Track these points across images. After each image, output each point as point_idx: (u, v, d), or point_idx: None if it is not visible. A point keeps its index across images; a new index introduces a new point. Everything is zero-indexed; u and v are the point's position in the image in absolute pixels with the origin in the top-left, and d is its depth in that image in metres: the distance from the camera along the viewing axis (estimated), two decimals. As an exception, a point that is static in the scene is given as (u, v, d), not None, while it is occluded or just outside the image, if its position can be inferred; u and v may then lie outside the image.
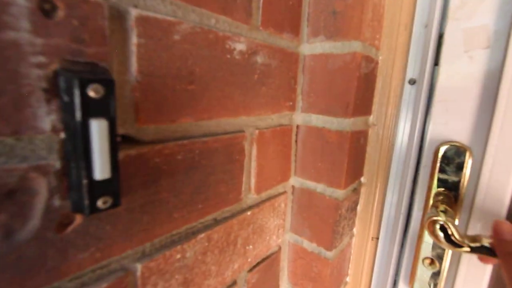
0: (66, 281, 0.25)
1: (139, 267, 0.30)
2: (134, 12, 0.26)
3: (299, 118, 0.52)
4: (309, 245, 0.54)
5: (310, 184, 0.53)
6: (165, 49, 0.28)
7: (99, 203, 0.23)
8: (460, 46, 0.46)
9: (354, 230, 0.60)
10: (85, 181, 0.22)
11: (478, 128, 0.46)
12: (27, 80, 0.20)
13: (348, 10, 0.44)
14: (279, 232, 0.54)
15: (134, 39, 0.26)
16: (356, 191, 0.57)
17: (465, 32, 0.46)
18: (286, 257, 0.58)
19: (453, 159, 0.48)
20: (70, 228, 0.24)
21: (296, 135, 0.53)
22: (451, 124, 0.48)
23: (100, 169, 0.22)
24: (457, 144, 0.48)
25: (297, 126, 0.52)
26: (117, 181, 0.23)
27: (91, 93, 0.21)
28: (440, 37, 0.49)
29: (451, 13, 0.46)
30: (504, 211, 0.45)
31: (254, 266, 0.48)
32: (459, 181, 0.48)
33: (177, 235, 0.34)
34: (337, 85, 0.47)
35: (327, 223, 0.51)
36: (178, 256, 0.34)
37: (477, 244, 0.38)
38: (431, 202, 0.51)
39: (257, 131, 0.43)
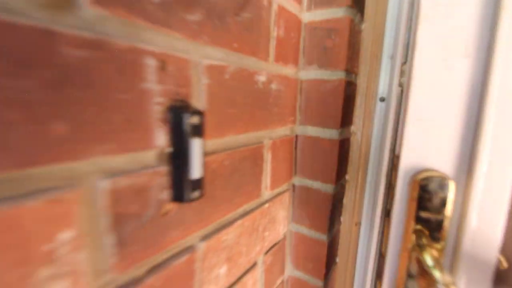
0: (162, 253, 0.34)
1: (203, 245, 0.40)
2: (204, 62, 0.37)
3: (298, 129, 0.65)
4: (309, 232, 0.67)
5: (308, 182, 0.66)
6: (220, 85, 0.40)
7: (194, 194, 0.33)
8: (436, 54, 0.39)
9: (341, 218, 0.74)
10: (187, 180, 0.32)
11: (463, 154, 0.38)
12: (152, 114, 0.30)
13: (335, 47, 0.58)
14: (285, 222, 0.66)
15: (204, 81, 0.37)
16: (343, 186, 0.70)
17: (440, 37, 0.38)
18: (290, 244, 0.70)
19: (435, 192, 0.39)
20: (169, 214, 0.34)
21: (296, 143, 0.66)
22: (429, 148, 0.40)
23: (196, 171, 0.32)
24: (438, 174, 0.39)
25: (296, 136, 0.65)
26: (203, 179, 0.34)
27: (193, 121, 0.32)
28: (404, 63, 0.65)
29: (424, 13, 0.40)
30: (494, 258, 0.39)
31: (268, 250, 0.60)
32: (442, 220, 0.40)
33: (223, 222, 0.44)
34: (327, 103, 0.61)
35: (323, 212, 0.64)
36: (224, 237, 0.44)
37: None
38: (409, 246, 0.43)
39: (271, 141, 0.55)
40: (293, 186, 0.67)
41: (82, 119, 0.24)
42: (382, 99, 0.67)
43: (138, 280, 0.32)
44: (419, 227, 0.41)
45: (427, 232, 0.41)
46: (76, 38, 0.23)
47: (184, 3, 0.32)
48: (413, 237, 0.42)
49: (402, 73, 0.65)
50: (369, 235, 0.75)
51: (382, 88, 0.67)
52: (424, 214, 0.41)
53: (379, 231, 0.75)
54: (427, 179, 0.40)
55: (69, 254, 0.25)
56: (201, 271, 0.41)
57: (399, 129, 0.43)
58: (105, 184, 0.27)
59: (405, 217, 0.43)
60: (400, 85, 0.66)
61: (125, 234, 0.29)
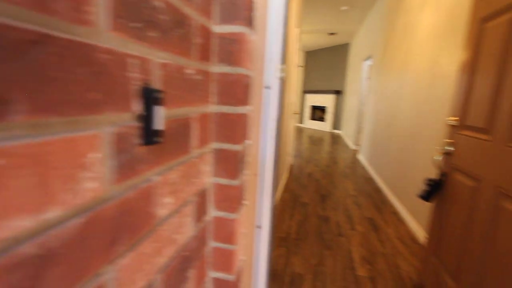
0: (135, 178, 0.56)
1: (158, 178, 0.63)
2: (159, 61, 0.59)
3: (214, 108, 0.91)
4: (224, 181, 0.95)
5: (223, 145, 0.93)
6: (167, 75, 0.62)
7: (157, 139, 0.56)
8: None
9: (245, 171, 1.05)
10: (152, 130, 0.55)
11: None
12: (133, 91, 0.52)
13: (237, 52, 0.86)
14: (209, 175, 0.92)
15: (159, 72, 0.59)
16: (244, 147, 1.01)
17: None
18: (212, 192, 0.97)
19: None
20: (140, 152, 0.56)
21: (212, 117, 0.92)
22: None
23: (158, 125, 0.55)
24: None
25: (213, 113, 0.92)
26: (163, 132, 0.57)
27: (155, 95, 0.54)
28: (281, 64, 0.98)
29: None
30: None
31: (197, 193, 0.85)
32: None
33: (169, 165, 0.68)
34: (233, 90, 0.89)
35: (234, 164, 0.93)
36: (170, 176, 0.68)
37: None
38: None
39: (196, 115, 0.80)
40: (214, 150, 0.94)
41: (103, 90, 0.45)
42: (268, 87, 1.00)
43: (123, 192, 0.53)
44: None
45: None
46: (104, 48, 0.44)
47: (150, 26, 0.54)
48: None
49: (280, 70, 0.99)
50: (264, 182, 1.09)
51: (266, 79, 1.00)
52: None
53: (271, 179, 1.10)
54: None
55: (95, 166, 0.45)
56: (156, 196, 0.63)
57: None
58: (111, 129, 0.48)
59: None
60: (280, 78, 1.00)
61: (119, 162, 0.51)
